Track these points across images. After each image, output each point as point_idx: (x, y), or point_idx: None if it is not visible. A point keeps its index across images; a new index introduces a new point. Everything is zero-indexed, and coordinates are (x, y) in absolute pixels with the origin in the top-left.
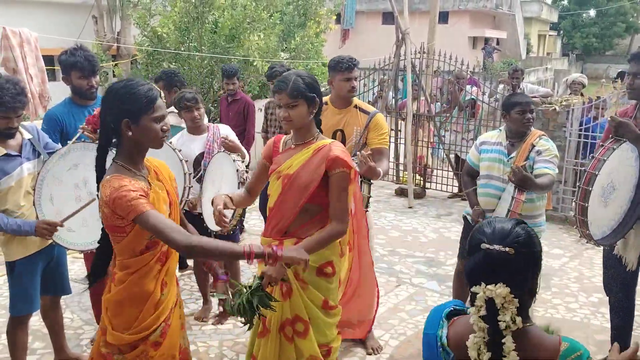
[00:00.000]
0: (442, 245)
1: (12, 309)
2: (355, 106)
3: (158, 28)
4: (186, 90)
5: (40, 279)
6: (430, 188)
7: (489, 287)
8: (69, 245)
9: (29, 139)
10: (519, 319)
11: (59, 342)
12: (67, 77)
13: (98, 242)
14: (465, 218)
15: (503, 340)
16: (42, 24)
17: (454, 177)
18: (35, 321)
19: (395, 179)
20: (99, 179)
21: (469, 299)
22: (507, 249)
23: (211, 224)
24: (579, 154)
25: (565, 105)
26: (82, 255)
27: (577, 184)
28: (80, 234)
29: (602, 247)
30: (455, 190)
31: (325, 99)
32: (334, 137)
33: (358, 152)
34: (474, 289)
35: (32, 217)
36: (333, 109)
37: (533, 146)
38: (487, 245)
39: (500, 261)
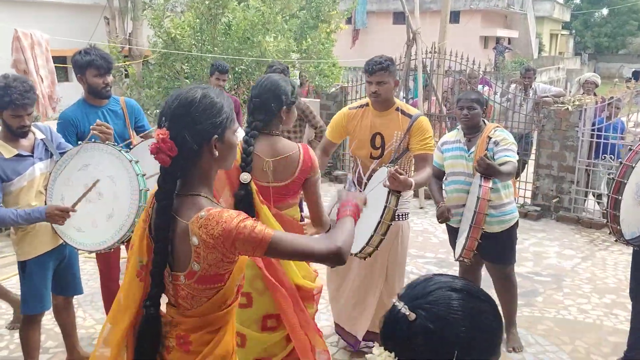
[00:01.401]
0: (442, 250)
1: (24, 308)
2: (397, 108)
3: (172, 29)
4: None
5: (52, 278)
6: None
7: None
8: (78, 246)
9: (41, 139)
10: None
11: (71, 341)
12: (81, 77)
13: (146, 322)
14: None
15: None
16: (54, 26)
17: None
18: (48, 320)
19: None
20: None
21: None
22: (408, 312)
23: None
24: (591, 154)
25: (578, 105)
26: (94, 255)
27: (612, 176)
28: (90, 235)
29: (618, 249)
30: None
31: (367, 100)
32: (372, 140)
33: (387, 167)
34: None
35: None
36: (373, 110)
37: (489, 138)
38: (394, 300)
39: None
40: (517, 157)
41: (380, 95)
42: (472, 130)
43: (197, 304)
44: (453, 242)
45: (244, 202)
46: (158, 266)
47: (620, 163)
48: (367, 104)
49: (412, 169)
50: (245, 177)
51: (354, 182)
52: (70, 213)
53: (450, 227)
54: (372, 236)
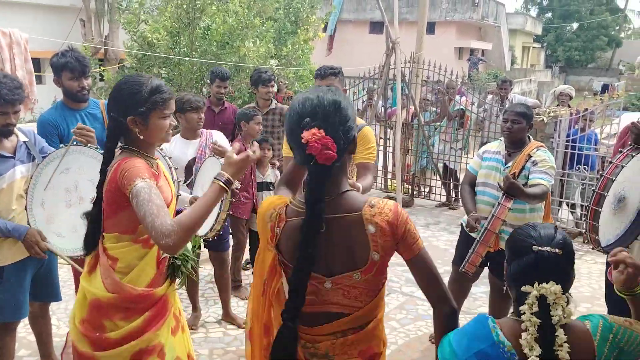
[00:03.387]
0: (431, 254)
1: (1, 316)
2: None
3: (148, 33)
4: (189, 94)
5: (29, 285)
6: (418, 197)
7: (543, 285)
8: (57, 251)
9: (24, 142)
10: (569, 312)
11: (46, 350)
12: (58, 79)
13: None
14: (462, 225)
15: (556, 334)
16: (30, 27)
17: (442, 187)
18: (21, 328)
19: (383, 187)
20: None
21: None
22: (556, 250)
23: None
24: (565, 165)
25: (553, 116)
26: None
27: (592, 188)
28: (70, 240)
29: (592, 259)
30: (444, 199)
31: None
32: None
33: None
34: (524, 288)
35: (24, 221)
36: None
37: (530, 156)
38: (539, 248)
39: (550, 261)
40: (551, 182)
41: None
42: (515, 145)
43: (369, 298)
44: (462, 248)
45: None
46: (304, 276)
47: (601, 175)
48: None
49: (355, 176)
50: None
51: (302, 190)
52: (53, 217)
53: (467, 234)
54: None
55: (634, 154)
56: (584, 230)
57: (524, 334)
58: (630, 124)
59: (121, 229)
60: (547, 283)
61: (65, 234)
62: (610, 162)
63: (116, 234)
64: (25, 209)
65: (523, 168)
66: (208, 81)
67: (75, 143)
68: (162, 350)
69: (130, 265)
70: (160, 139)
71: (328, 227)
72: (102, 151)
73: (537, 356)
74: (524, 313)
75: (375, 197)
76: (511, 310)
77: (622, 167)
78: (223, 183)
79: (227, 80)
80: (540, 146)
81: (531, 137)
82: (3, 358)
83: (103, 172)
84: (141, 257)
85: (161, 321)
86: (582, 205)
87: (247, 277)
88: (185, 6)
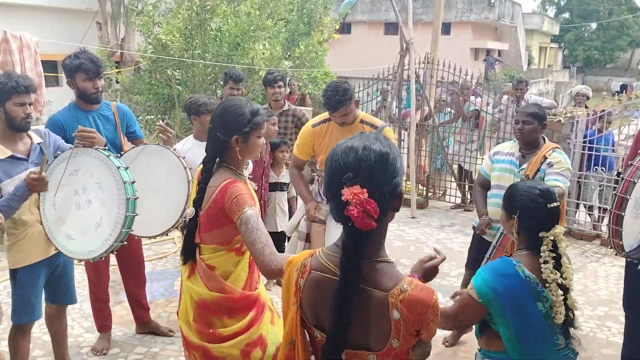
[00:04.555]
0: (445, 256)
1: (14, 317)
2: (362, 121)
3: (162, 35)
4: (199, 95)
5: (44, 287)
6: (432, 198)
7: (554, 230)
8: (68, 253)
9: (38, 144)
10: (567, 243)
11: (61, 351)
12: (71, 81)
13: None
14: (474, 228)
15: (563, 260)
16: (46, 30)
17: (457, 188)
18: (35, 329)
19: None
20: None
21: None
22: (558, 202)
23: None
24: (582, 166)
25: (569, 117)
26: (83, 263)
27: (614, 192)
28: (79, 243)
29: (610, 261)
30: (459, 201)
31: (327, 114)
32: None
33: None
34: (542, 234)
35: (36, 223)
36: (336, 125)
37: (545, 158)
38: (550, 205)
39: (555, 211)
40: (568, 184)
41: (347, 122)
42: (529, 146)
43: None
44: (475, 252)
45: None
46: (339, 346)
47: (622, 179)
48: (329, 119)
49: None
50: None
51: (319, 193)
52: (64, 218)
53: (481, 238)
54: None
55: None
56: (602, 233)
57: (544, 265)
58: None
59: (219, 241)
60: (555, 227)
61: (75, 237)
62: (631, 164)
63: (214, 245)
64: (38, 208)
65: (538, 170)
66: (222, 83)
67: (78, 146)
68: (264, 341)
69: (227, 272)
70: (254, 155)
71: (359, 295)
72: (107, 153)
73: (557, 280)
74: (543, 251)
75: (411, 278)
76: (517, 250)
77: None
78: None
79: (241, 82)
80: (556, 147)
81: (546, 138)
82: (17, 358)
83: (202, 190)
84: (236, 263)
85: (261, 317)
86: (599, 207)
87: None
88: (196, 8)
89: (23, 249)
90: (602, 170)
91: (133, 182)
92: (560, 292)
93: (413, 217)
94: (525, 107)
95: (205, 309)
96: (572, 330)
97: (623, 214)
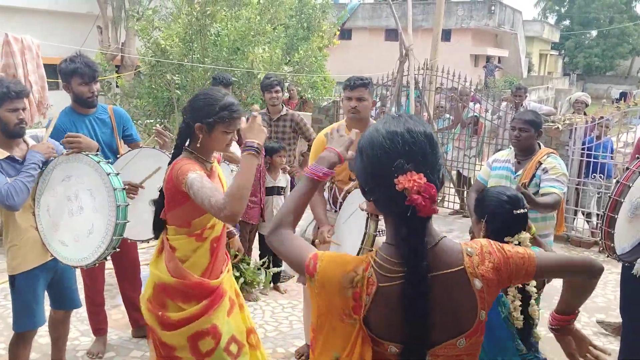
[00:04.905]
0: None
1: (15, 325)
2: None
3: (161, 40)
4: None
5: (48, 294)
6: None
7: (520, 235)
8: (62, 260)
9: None
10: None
11: (59, 354)
12: (67, 85)
13: None
14: (471, 233)
15: None
16: (47, 33)
17: (456, 194)
18: None
19: None
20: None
21: None
22: (525, 209)
23: None
24: (581, 173)
25: (568, 124)
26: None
27: (609, 194)
28: (73, 249)
29: (607, 268)
30: (457, 207)
31: (340, 123)
32: (350, 162)
33: None
34: (507, 239)
35: (32, 229)
36: (348, 132)
37: (540, 164)
38: (517, 211)
39: (522, 216)
40: (564, 189)
41: (359, 112)
42: (524, 152)
43: None
44: None
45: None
46: (422, 349)
47: (617, 182)
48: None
49: None
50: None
51: (329, 201)
52: (58, 225)
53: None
54: None
55: None
56: (599, 239)
57: None
58: None
59: (178, 222)
60: (520, 232)
61: (68, 243)
62: (627, 169)
63: (174, 227)
64: (33, 214)
65: (533, 176)
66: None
67: (69, 152)
68: (217, 332)
69: (186, 255)
70: (219, 149)
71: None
72: (98, 159)
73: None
74: None
75: (466, 242)
76: None
77: (639, 173)
78: (254, 149)
79: (230, 86)
80: (551, 152)
81: (541, 144)
82: None
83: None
84: (195, 249)
85: (215, 306)
86: (597, 215)
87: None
88: (196, 13)
89: (19, 255)
90: (600, 177)
91: (124, 189)
92: (518, 299)
93: None
94: (522, 113)
95: (162, 291)
96: (532, 339)
97: (616, 216)
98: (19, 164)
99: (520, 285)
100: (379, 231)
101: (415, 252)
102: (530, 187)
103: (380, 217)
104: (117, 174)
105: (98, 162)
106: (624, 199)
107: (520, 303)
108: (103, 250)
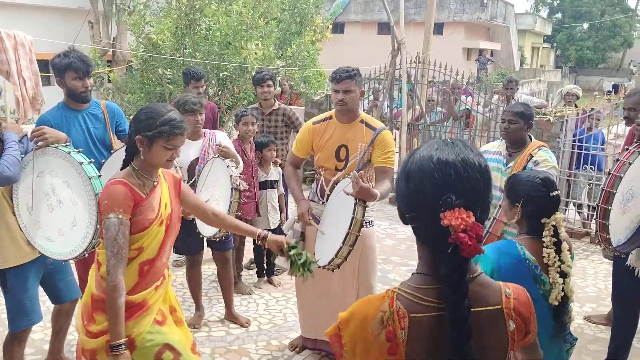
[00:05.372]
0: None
1: (11, 326)
2: (362, 121)
3: (153, 35)
4: (190, 95)
5: (37, 290)
6: None
7: (556, 216)
8: (51, 255)
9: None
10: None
11: (58, 345)
12: (61, 80)
13: None
14: None
15: (563, 246)
16: (38, 29)
17: None
18: None
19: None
20: None
21: None
22: (558, 191)
23: (204, 230)
24: (572, 165)
25: (559, 116)
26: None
27: (601, 187)
28: (60, 244)
29: (605, 259)
30: None
31: (330, 112)
32: (337, 152)
33: (353, 172)
34: (544, 220)
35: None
36: (337, 123)
37: (531, 156)
38: (553, 193)
39: (557, 198)
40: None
41: (346, 104)
42: (515, 144)
43: None
44: None
45: None
46: None
47: (609, 173)
48: (330, 117)
49: (374, 181)
50: None
51: (316, 193)
52: (40, 221)
53: None
54: (340, 248)
55: (639, 150)
56: (592, 231)
57: (546, 250)
58: (635, 123)
59: (103, 236)
60: (555, 214)
61: (54, 238)
62: (618, 160)
63: (102, 241)
64: (14, 215)
65: (524, 168)
66: (184, 84)
67: (38, 146)
68: (132, 342)
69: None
70: (160, 164)
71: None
72: (68, 150)
73: (556, 265)
74: (545, 236)
75: (504, 282)
76: (517, 234)
77: (630, 164)
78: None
79: (202, 79)
80: (542, 145)
81: (532, 136)
82: None
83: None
84: None
85: (130, 319)
86: (588, 206)
87: (250, 276)
88: (184, 8)
89: (8, 250)
90: (591, 168)
91: (99, 176)
92: (559, 275)
93: None
94: (512, 106)
95: (91, 302)
96: (566, 317)
97: (610, 207)
98: (4, 148)
99: (559, 263)
100: (367, 222)
101: (457, 291)
102: None
103: (368, 203)
104: (90, 162)
105: (69, 153)
106: (616, 190)
107: (561, 280)
108: (90, 240)
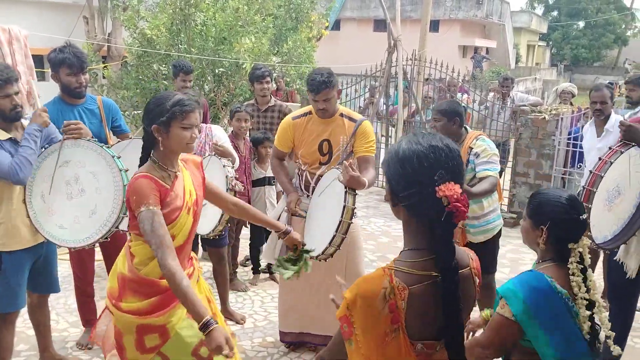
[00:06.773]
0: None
1: None
2: (342, 114)
3: (147, 30)
4: (189, 92)
5: (27, 276)
6: None
7: (583, 241)
8: (59, 242)
9: None
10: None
11: (44, 342)
12: (56, 75)
13: None
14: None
15: (588, 273)
16: (33, 23)
17: None
18: (20, 323)
19: (383, 184)
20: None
21: None
22: (586, 214)
23: (199, 228)
24: (567, 163)
25: (554, 114)
26: (67, 257)
27: (582, 185)
28: (72, 231)
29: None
30: None
31: (309, 108)
32: (320, 147)
33: (344, 162)
34: (571, 245)
35: (22, 211)
36: (317, 118)
37: (471, 149)
38: (582, 217)
39: (584, 222)
40: (498, 168)
41: (327, 110)
42: (455, 138)
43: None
44: None
45: None
46: (459, 349)
47: (590, 172)
48: (310, 112)
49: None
50: None
51: (300, 187)
52: (53, 209)
53: None
54: (334, 236)
55: (622, 150)
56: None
57: (573, 278)
58: (620, 123)
59: (136, 230)
60: (582, 238)
61: (67, 226)
62: (600, 159)
63: (134, 233)
64: (24, 202)
65: (468, 162)
66: (172, 76)
67: (68, 137)
68: (166, 331)
69: (143, 262)
70: (181, 148)
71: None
72: (99, 143)
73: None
74: (571, 263)
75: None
76: (536, 263)
77: (611, 163)
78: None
79: (191, 73)
80: (479, 135)
81: (468, 128)
82: (1, 350)
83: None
84: (152, 257)
85: (167, 308)
86: None
87: (245, 273)
88: (179, 3)
89: (8, 234)
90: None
91: (127, 170)
92: (586, 308)
93: None
94: (438, 104)
95: (120, 282)
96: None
97: (590, 205)
98: (20, 146)
99: (587, 295)
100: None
101: (450, 252)
102: (467, 172)
103: (358, 191)
104: (119, 157)
105: (101, 147)
106: (596, 189)
107: (588, 312)
108: (109, 228)
